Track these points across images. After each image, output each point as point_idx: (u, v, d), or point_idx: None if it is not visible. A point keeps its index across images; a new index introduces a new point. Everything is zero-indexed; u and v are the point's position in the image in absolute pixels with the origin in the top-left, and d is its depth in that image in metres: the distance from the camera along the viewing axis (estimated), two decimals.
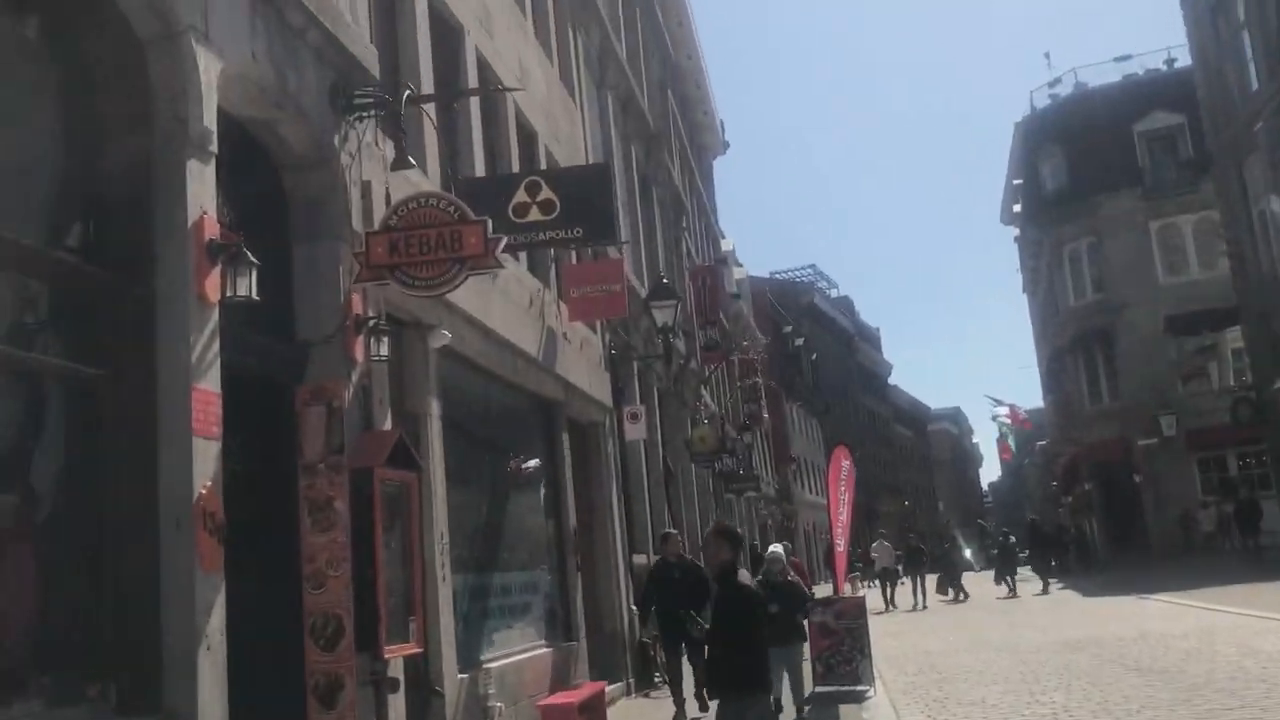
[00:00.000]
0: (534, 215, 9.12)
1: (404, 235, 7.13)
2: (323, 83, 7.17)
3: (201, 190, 5.66)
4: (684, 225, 27.50)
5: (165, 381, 5.45)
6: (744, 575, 6.15)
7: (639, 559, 15.92)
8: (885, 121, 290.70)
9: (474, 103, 10.74)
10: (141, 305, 5.52)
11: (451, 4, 10.30)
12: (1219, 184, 28.39)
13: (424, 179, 8.56)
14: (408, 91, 7.41)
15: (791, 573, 13.15)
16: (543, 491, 12.70)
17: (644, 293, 17.16)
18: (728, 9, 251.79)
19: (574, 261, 13.72)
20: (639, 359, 17.89)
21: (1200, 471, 36.97)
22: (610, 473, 15.18)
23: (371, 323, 7.38)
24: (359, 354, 7.31)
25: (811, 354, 60.79)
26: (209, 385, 5.58)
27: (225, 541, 5.68)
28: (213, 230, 5.67)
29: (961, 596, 29.30)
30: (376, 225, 7.35)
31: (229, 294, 5.68)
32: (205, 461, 5.49)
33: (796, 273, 71.21)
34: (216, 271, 5.65)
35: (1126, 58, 41.70)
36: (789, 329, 55.53)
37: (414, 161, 7.60)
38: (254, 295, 5.73)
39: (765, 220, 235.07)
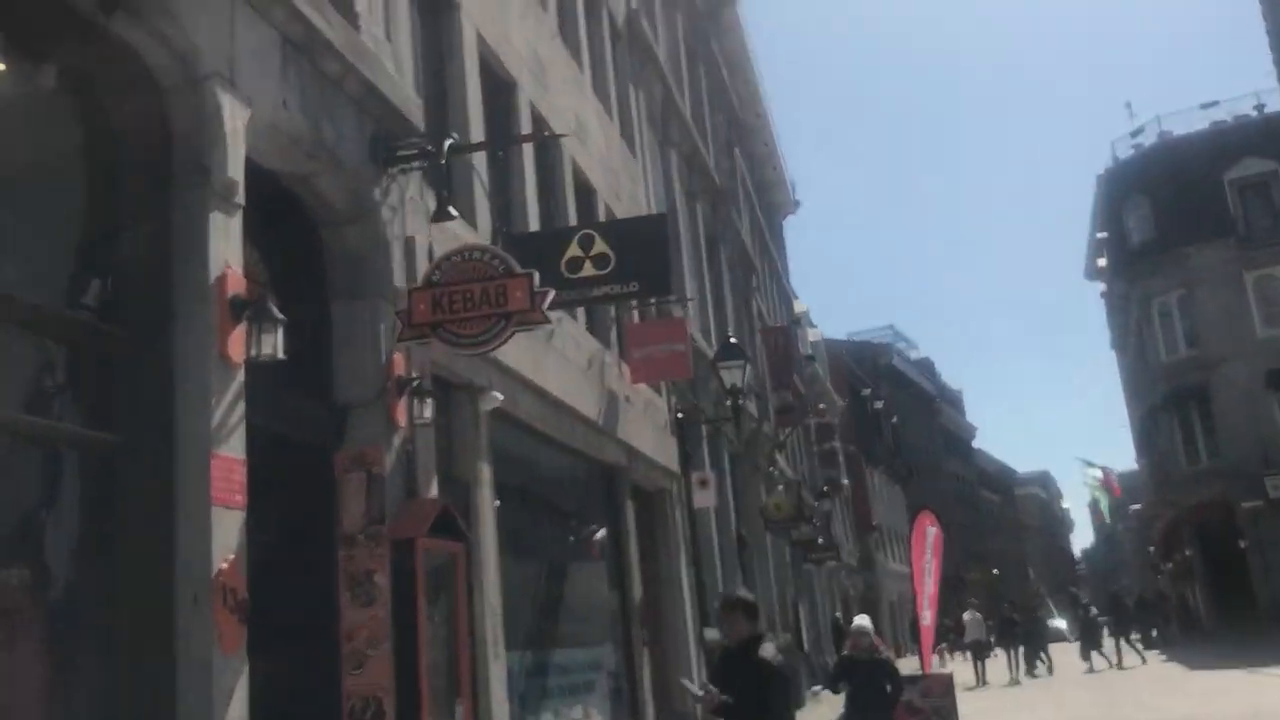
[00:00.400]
0: (588, 270, 8.73)
1: (447, 291, 6.77)
2: (362, 134, 6.88)
3: (226, 244, 5.34)
4: (754, 285, 27.03)
5: (184, 447, 5.09)
6: (767, 649, 5.66)
7: (711, 634, 15.22)
8: (961, 178, 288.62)
9: (528, 157, 10.46)
10: (161, 366, 5.18)
11: (504, 56, 10.06)
12: None
13: (472, 234, 8.23)
14: (450, 140, 7.07)
15: (883, 647, 12.39)
16: (606, 562, 12.17)
17: (711, 354, 16.66)
18: (797, 66, 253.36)
19: (636, 321, 13.30)
20: (707, 423, 17.35)
21: None
22: (678, 542, 14.60)
23: (415, 384, 7.00)
24: (401, 417, 6.92)
25: (891, 417, 59.49)
26: (231, 451, 5.21)
27: (252, 620, 5.27)
28: (237, 286, 5.34)
29: (1048, 668, 27.99)
30: (419, 281, 7.00)
31: (253, 353, 5.32)
32: (226, 533, 5.10)
33: (874, 333, 70.14)
34: (241, 329, 5.31)
35: (1213, 104, 40.49)
36: (867, 391, 54.44)
37: (455, 213, 7.25)
38: (280, 354, 5.36)
39: (840, 281, 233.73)
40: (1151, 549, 54.35)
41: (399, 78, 7.42)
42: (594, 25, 14.67)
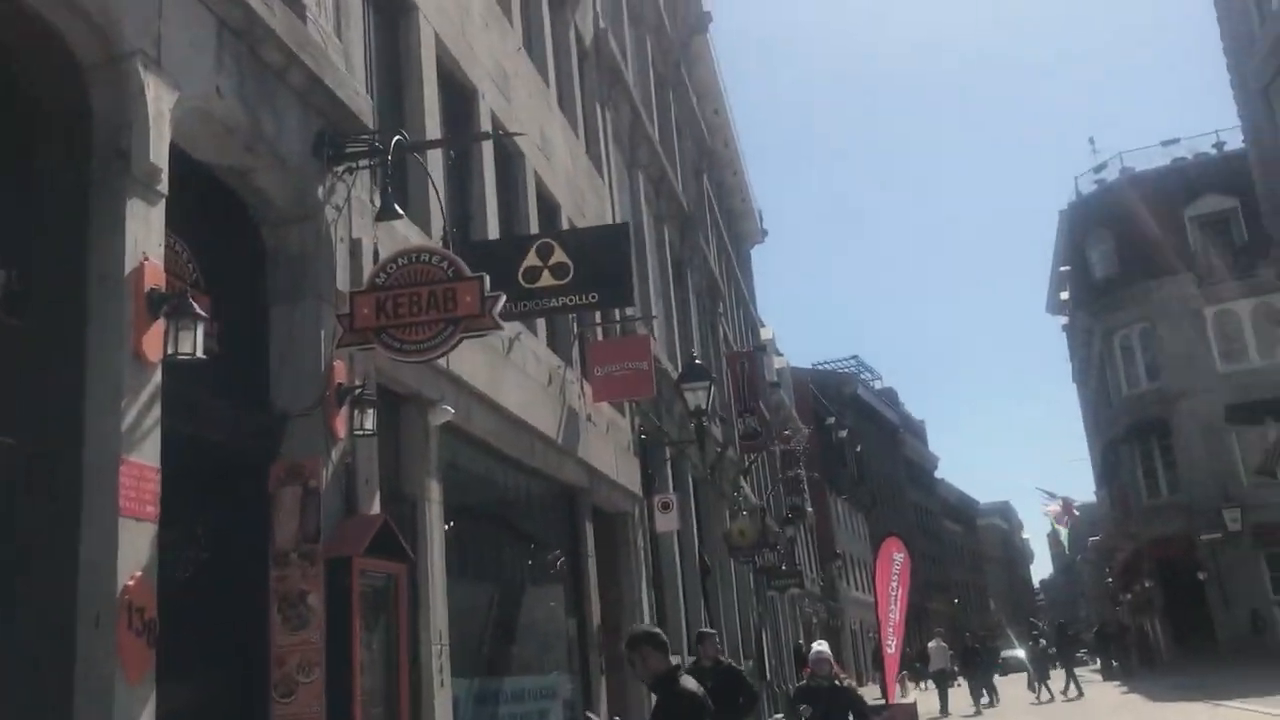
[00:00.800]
0: (546, 280, 8.38)
1: (392, 295, 6.40)
2: (306, 129, 6.52)
3: (145, 233, 4.94)
4: (720, 311, 26.78)
5: (91, 452, 4.67)
6: (688, 681, 5.28)
7: (673, 661, 14.83)
8: (928, 212, 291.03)
9: (488, 166, 10.12)
10: (70, 364, 4.77)
11: (465, 64, 9.73)
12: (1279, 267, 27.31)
13: (423, 239, 7.85)
14: (399, 137, 6.71)
15: (845, 675, 12.04)
16: (564, 586, 11.76)
17: (676, 376, 16.35)
18: (767, 98, 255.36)
19: (599, 339, 12.96)
20: (671, 445, 17.00)
21: (1270, 568, 35.14)
22: (639, 566, 14.20)
23: (357, 393, 6.60)
24: (341, 428, 6.52)
25: (855, 446, 59.40)
26: (144, 458, 4.79)
27: (170, 644, 4.85)
28: (155, 279, 4.94)
29: (992, 700, 27.88)
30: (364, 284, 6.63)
31: (171, 351, 4.92)
32: (135, 547, 4.67)
33: (839, 364, 70.17)
34: (158, 326, 4.90)
35: (1174, 141, 40.91)
36: (832, 420, 54.33)
37: (401, 212, 6.88)
38: (199, 353, 4.96)
39: (806, 311, 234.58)
40: (1110, 580, 54.46)
41: (348, 74, 7.07)
42: (561, 42, 14.40)
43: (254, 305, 6.54)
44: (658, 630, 5.72)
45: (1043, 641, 31.42)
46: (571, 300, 8.49)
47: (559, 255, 8.40)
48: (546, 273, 8.38)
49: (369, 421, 6.58)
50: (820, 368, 65.39)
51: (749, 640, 23.51)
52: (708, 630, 11.03)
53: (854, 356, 73.62)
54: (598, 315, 13.39)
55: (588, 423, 12.19)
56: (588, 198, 13.76)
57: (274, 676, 6.06)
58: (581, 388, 12.20)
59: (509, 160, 11.23)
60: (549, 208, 12.21)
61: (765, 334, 39.31)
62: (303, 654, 6.07)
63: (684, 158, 24.28)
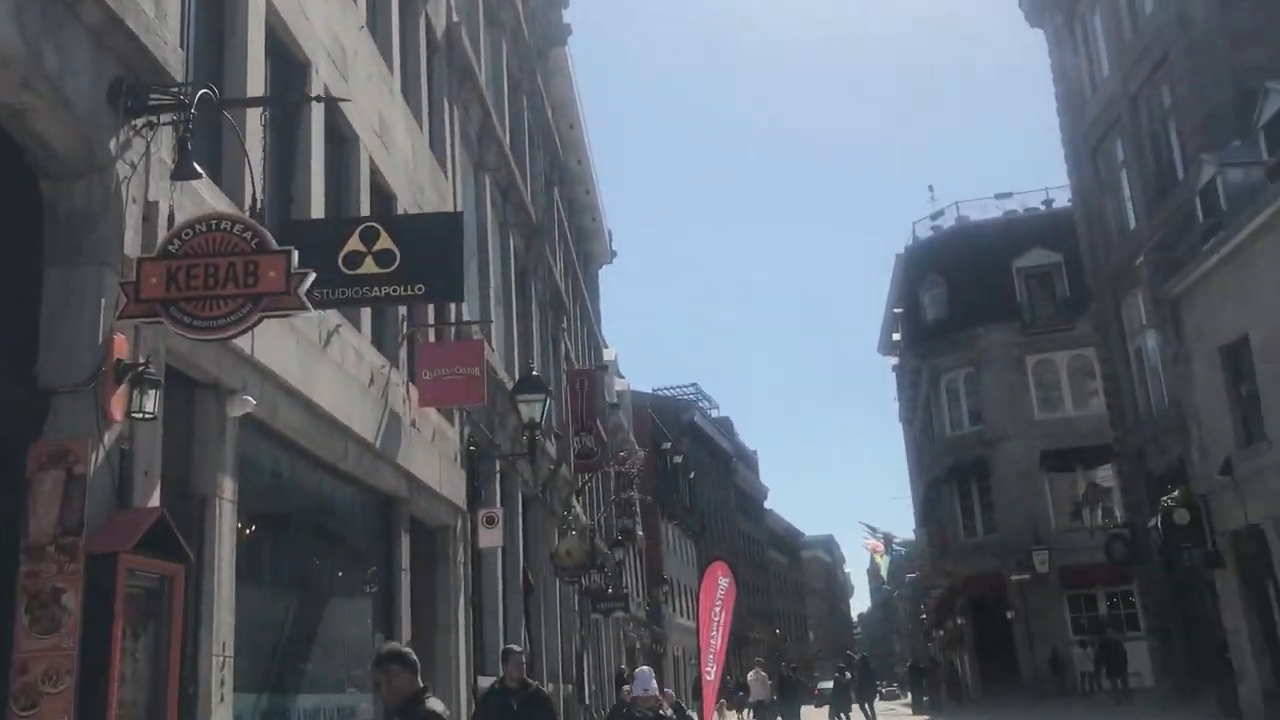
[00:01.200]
0: (369, 267, 7.79)
1: (185, 264, 5.76)
2: (100, 73, 5.82)
3: None
4: (564, 326, 26.39)
5: None
6: (434, 703, 4.86)
7: (486, 682, 14.25)
8: (773, 247, 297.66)
9: (317, 145, 9.47)
10: None
11: (297, 32, 9.08)
12: (1097, 321, 28.57)
13: (231, 208, 7.18)
14: (205, 90, 6.07)
15: (666, 706, 11.75)
16: (373, 600, 11.09)
17: (512, 387, 15.84)
18: (618, 122, 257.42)
19: (430, 340, 12.37)
20: (502, 458, 16.47)
21: (1071, 610, 36.76)
22: (458, 583, 13.60)
23: (139, 371, 5.91)
24: (118, 410, 5.81)
25: (690, 473, 59.77)
26: None
27: None
28: None
29: None
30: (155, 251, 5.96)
31: None
32: None
33: (679, 390, 70.63)
34: None
35: (1007, 195, 42.83)
36: (668, 445, 54.49)
37: (200, 170, 6.24)
38: None
39: (650, 337, 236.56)
40: (924, 616, 56.18)
41: (157, 21, 6.39)
42: (409, 28, 13.81)
43: (24, 265, 5.80)
44: (407, 650, 5.22)
45: (848, 674, 32.08)
46: (396, 290, 7.92)
47: (385, 241, 7.83)
48: (370, 259, 7.79)
49: (150, 403, 5.89)
50: (660, 393, 65.66)
51: (570, 663, 23.05)
52: (513, 647, 10.52)
53: (694, 384, 74.30)
54: (430, 315, 12.80)
55: (411, 429, 11.58)
56: (428, 193, 13.18)
57: (14, 685, 5.32)
58: (407, 391, 11.59)
59: (343, 142, 10.59)
60: (384, 198, 11.60)
61: (608, 354, 39.11)
62: (51, 661, 5.35)
63: (535, 168, 23.85)
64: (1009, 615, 36.98)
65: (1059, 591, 36.37)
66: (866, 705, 29.74)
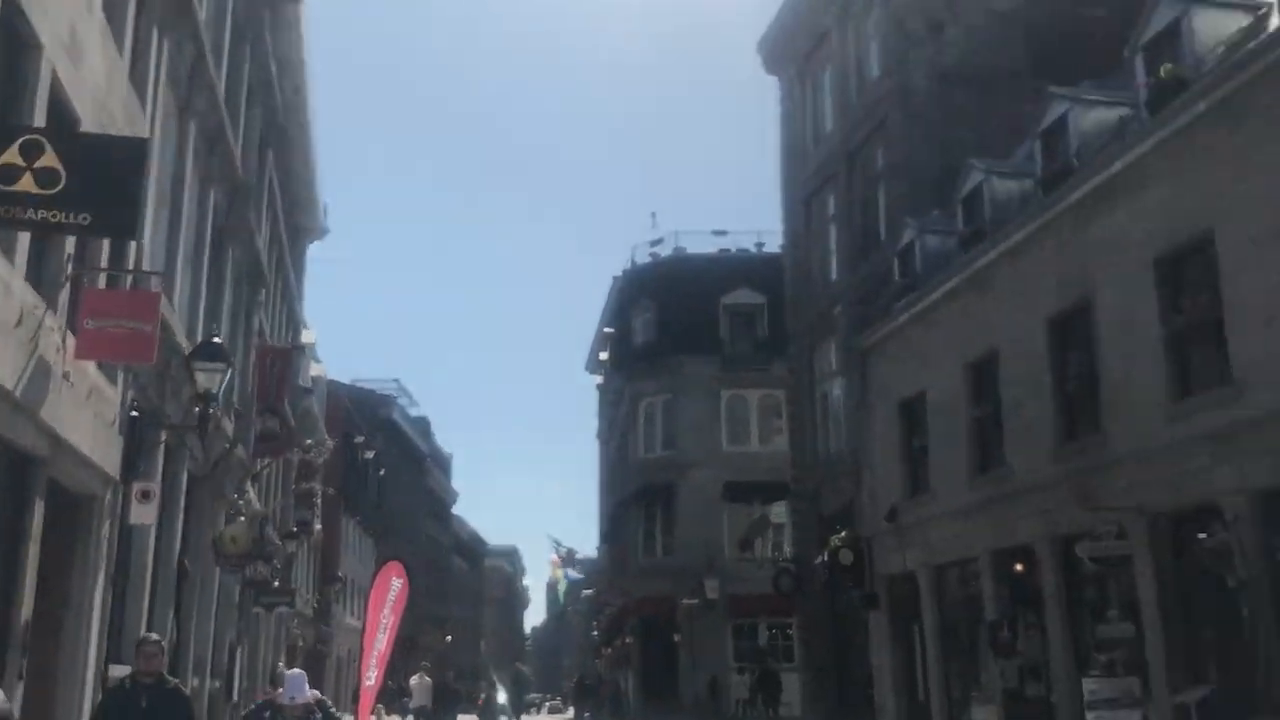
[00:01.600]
0: (26, 184, 6.68)
1: None
2: None
3: None
4: (261, 299, 24.73)
5: None
6: None
7: (122, 672, 12.83)
8: (496, 251, 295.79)
9: None
10: None
11: None
12: (792, 364, 29.92)
13: None
14: None
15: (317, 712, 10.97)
16: None
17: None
18: (353, 100, 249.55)
19: (100, 286, 11.00)
20: (169, 429, 15.02)
21: (734, 638, 38.29)
22: (99, 559, 12.18)
23: None
24: None
25: (380, 469, 58.01)
26: None
27: None
28: None
29: None
30: None
31: None
32: None
33: (379, 384, 68.50)
34: None
35: (723, 233, 44.45)
36: (360, 439, 52.64)
37: None
38: None
39: (358, 325, 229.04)
40: (596, 633, 57.11)
41: None
42: None
43: None
44: None
45: (499, 689, 32.20)
46: (55, 217, 6.82)
47: (50, 159, 6.74)
48: (29, 176, 6.68)
49: None
50: (360, 384, 63.42)
51: (221, 657, 21.46)
52: (149, 636, 9.44)
53: (396, 379, 72.40)
54: (103, 258, 11.42)
55: (64, 382, 10.22)
56: (119, 123, 11.76)
57: None
58: (64, 339, 10.22)
59: (23, 49, 9.20)
60: (66, 120, 10.20)
61: (307, 336, 37.17)
62: None
63: (250, 125, 22.24)
64: (676, 638, 38.05)
65: (725, 619, 37.78)
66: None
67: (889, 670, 21.80)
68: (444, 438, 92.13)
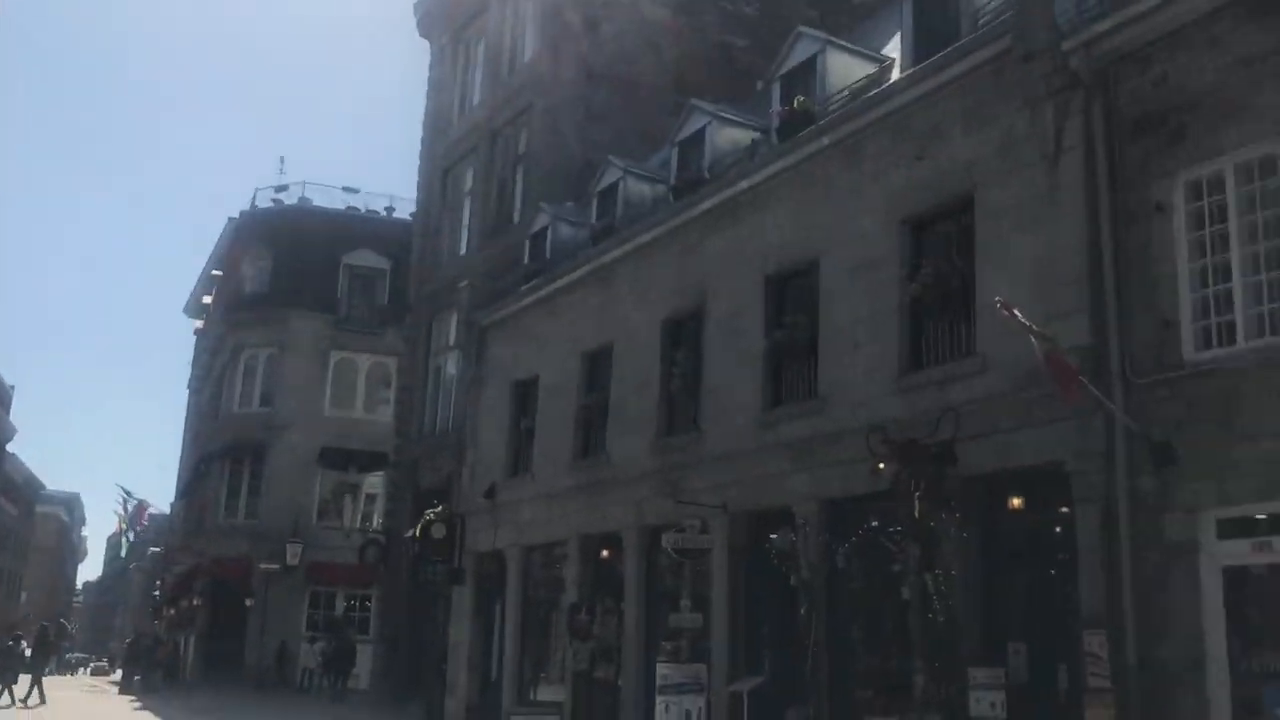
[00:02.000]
0: None
1: None
2: None
3: None
4: None
5: None
6: None
7: None
8: (102, 177, 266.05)
9: None
10: None
11: None
12: (408, 334, 29.29)
13: None
14: None
15: None
16: None
17: None
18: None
19: None
20: None
21: (310, 606, 37.10)
22: None
23: None
24: None
25: None
26: None
27: None
28: None
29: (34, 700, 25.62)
30: None
31: None
32: None
33: None
34: None
35: (355, 190, 42.96)
36: None
37: None
38: None
39: None
40: (158, 593, 53.15)
41: None
42: None
43: None
44: None
45: (23, 643, 29.42)
46: None
47: None
48: None
49: None
50: None
51: None
52: None
53: None
54: None
55: None
56: None
57: None
58: None
59: None
60: None
61: None
62: None
63: None
64: (248, 603, 36.24)
65: (304, 586, 36.55)
66: (37, 678, 27.16)
67: (465, 647, 21.83)
68: (6, 368, 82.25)
